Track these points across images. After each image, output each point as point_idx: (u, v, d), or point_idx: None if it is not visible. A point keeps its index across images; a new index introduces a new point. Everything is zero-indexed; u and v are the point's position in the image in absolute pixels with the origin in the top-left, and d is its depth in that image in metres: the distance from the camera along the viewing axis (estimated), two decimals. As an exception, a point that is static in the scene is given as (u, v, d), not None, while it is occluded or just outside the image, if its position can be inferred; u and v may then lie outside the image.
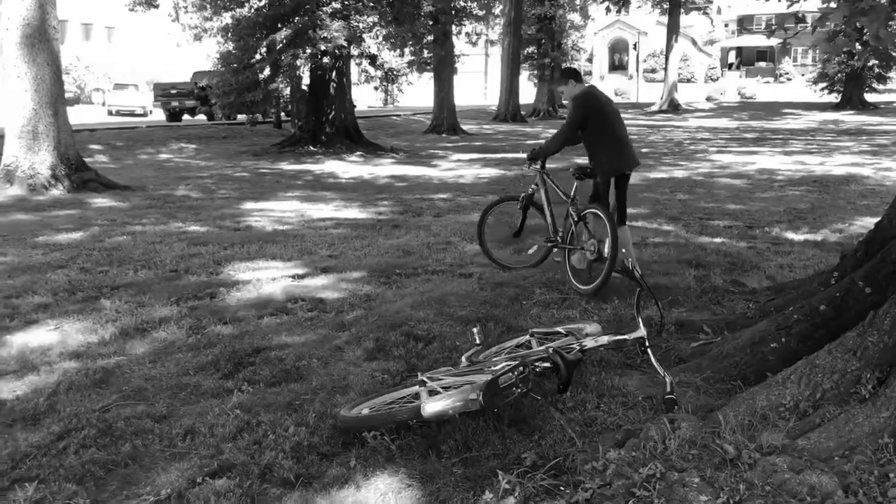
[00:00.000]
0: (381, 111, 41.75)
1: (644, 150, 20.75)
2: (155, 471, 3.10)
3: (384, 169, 17.56)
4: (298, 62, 18.98)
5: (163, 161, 19.44)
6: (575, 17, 46.07)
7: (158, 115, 35.54)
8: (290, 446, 3.20)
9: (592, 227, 5.68)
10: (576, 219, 5.78)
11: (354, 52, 20.95)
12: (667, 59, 44.13)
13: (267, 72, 20.24)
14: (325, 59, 19.30)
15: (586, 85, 5.98)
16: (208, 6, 22.03)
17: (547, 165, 6.42)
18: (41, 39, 12.19)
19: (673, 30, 43.35)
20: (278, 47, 18.93)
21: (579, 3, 45.73)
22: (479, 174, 15.78)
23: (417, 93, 35.83)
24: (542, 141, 6.39)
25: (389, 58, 23.57)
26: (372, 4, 19.83)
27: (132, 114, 36.57)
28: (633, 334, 3.64)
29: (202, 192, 13.04)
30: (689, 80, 62.62)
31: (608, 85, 65.50)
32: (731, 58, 70.01)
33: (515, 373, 3.13)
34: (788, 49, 63.22)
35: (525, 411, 3.42)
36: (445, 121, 29.88)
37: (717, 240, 7.80)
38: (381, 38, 21.60)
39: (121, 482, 3.03)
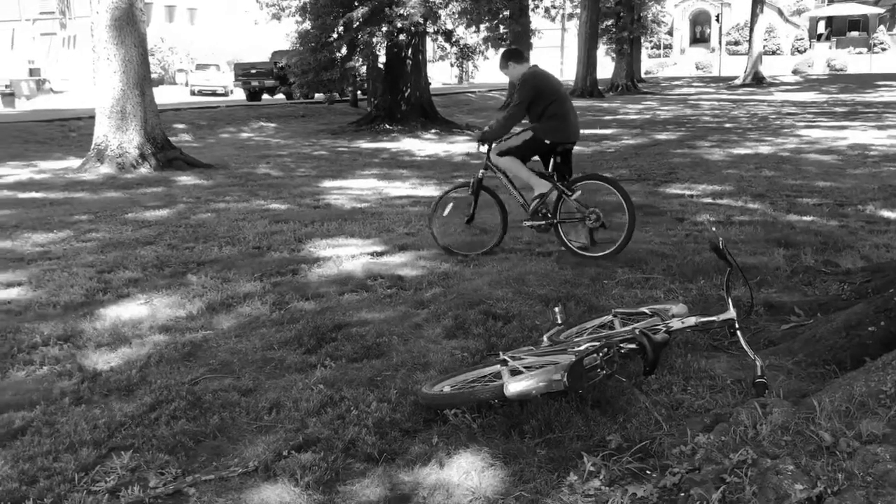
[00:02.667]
0: (456, 88, 41.66)
1: (727, 125, 20.10)
2: (242, 443, 3.17)
3: (460, 146, 17.52)
4: (374, 40, 19.06)
5: (244, 140, 19.88)
6: (655, -11, 44.84)
7: (239, 95, 36.35)
8: (372, 422, 3.23)
9: (583, 197, 5.85)
10: (569, 193, 5.83)
11: (430, 28, 20.92)
12: (751, 30, 42.51)
13: (344, 50, 20.43)
14: (402, 37, 19.32)
15: (530, 65, 6.03)
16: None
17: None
18: (129, 22, 12.55)
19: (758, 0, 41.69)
20: (355, 25, 19.05)
21: (659, -26, 44.49)
22: (556, 151, 15.58)
23: (492, 69, 35.66)
24: (496, 122, 6.19)
25: (465, 34, 23.44)
26: (448, -20, 19.69)
27: (214, 93, 37.51)
28: (722, 315, 3.51)
29: (282, 171, 13.28)
30: (774, 53, 60.23)
31: (689, 58, 63.64)
32: (821, 28, 66.93)
33: (600, 354, 3.07)
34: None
35: (609, 393, 3.35)
36: (521, 97, 29.55)
37: (807, 218, 7.49)
38: (457, 15, 21.47)
39: (210, 453, 3.11)
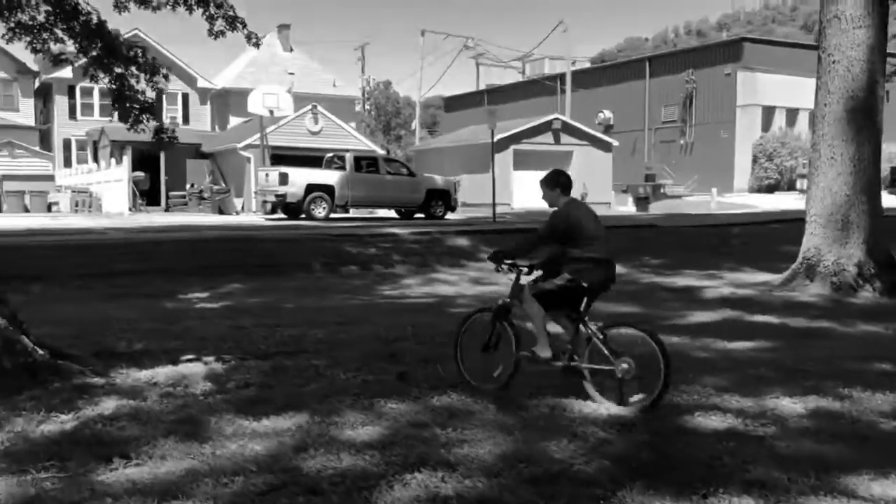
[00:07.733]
0: None
1: None
2: None
3: None
4: None
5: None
6: None
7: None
8: None
9: (617, 344, 5.13)
10: (600, 336, 5.11)
11: None
12: None
13: None
14: None
15: (569, 198, 5.44)
16: None
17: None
18: (865, 114, 10.28)
19: None
20: None
21: None
22: None
23: None
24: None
25: None
26: None
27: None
28: None
29: None
30: None
31: None
32: None
33: None
34: None
35: None
36: None
37: None
38: None
39: None
